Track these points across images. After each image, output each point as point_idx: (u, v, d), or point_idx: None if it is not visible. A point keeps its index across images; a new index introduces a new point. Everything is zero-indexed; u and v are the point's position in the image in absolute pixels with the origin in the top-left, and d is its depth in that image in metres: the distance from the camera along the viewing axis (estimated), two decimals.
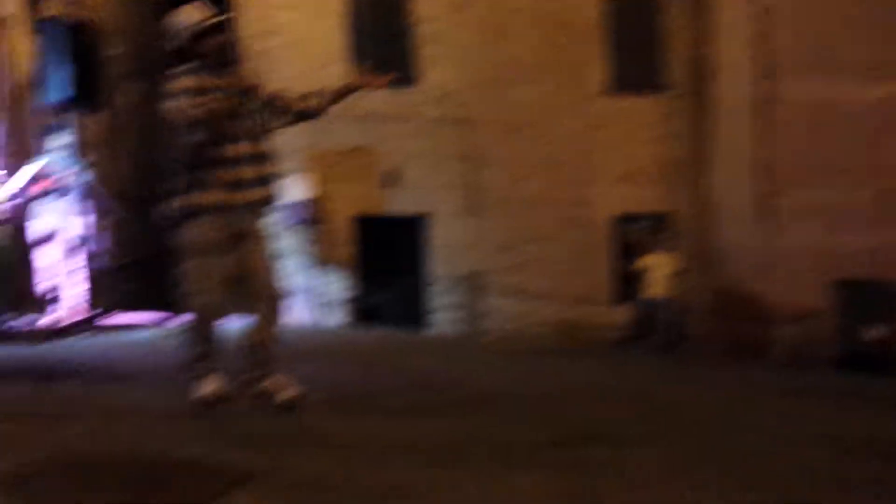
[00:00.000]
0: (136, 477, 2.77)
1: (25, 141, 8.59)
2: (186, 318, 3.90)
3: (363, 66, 4.43)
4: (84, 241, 6.98)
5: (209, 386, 3.81)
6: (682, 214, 12.61)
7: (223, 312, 3.93)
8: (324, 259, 11.63)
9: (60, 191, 6.89)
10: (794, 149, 11.53)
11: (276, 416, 3.80)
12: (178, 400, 3.85)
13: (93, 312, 7.08)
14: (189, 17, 3.79)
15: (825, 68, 11.53)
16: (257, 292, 3.96)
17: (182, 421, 3.64)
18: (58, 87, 6.62)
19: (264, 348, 3.97)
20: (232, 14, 3.90)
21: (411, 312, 11.68)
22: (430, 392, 4.75)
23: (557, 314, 11.61)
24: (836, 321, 10.27)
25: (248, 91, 3.90)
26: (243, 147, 3.85)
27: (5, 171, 7.15)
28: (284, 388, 3.96)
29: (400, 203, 12.00)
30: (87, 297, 7.23)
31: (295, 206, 10.57)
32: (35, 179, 6.79)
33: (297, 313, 10.75)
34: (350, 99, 4.14)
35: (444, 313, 11.33)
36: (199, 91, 3.74)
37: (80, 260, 7.05)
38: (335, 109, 4.13)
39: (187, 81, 3.75)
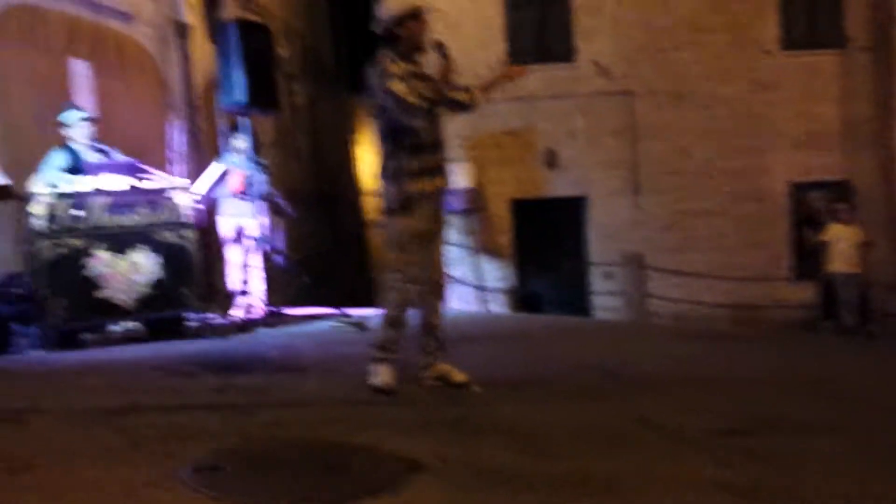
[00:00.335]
0: (317, 462, 2.91)
1: (207, 144, 9.22)
2: (383, 305, 4.04)
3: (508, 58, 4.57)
4: (262, 239, 7.37)
5: (388, 374, 3.96)
6: (865, 181, 11.65)
7: (419, 302, 4.06)
8: (484, 246, 11.71)
9: (242, 191, 7.29)
10: None
11: (450, 401, 3.88)
12: (354, 388, 4.02)
13: (273, 307, 7.47)
14: (396, 4, 3.99)
15: None
16: (435, 280, 4.13)
17: (359, 407, 3.76)
18: (233, 90, 6.97)
19: (439, 334, 4.14)
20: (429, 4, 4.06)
21: (572, 298, 11.54)
22: (598, 377, 4.68)
23: (730, 294, 11.08)
24: None
25: (442, 78, 4.02)
26: (436, 134, 4.00)
27: (188, 175, 7.70)
28: (457, 373, 4.13)
29: (558, 184, 11.88)
30: (267, 293, 7.65)
31: (456, 193, 10.70)
32: (219, 181, 7.24)
33: (459, 300, 10.92)
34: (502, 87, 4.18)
35: (606, 298, 11.09)
36: (415, 77, 3.91)
37: (260, 257, 7.46)
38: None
39: (398, 67, 3.90)
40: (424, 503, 2.52)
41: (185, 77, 9.40)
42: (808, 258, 11.08)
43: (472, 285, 11.43)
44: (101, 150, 6.30)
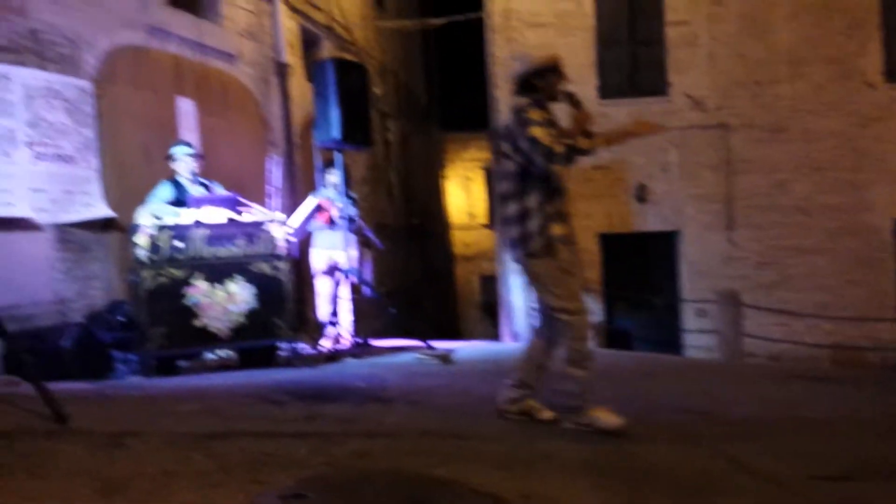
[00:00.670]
0: (401, 494, 2.91)
1: (304, 179, 9.51)
2: (564, 350, 4.08)
3: (637, 117, 4.65)
4: (352, 271, 7.51)
5: (609, 414, 4.00)
6: None
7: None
8: None
9: (334, 224, 7.48)
10: None
11: (538, 438, 3.86)
12: (440, 420, 4.02)
13: (361, 338, 7.58)
14: (535, 56, 4.20)
15: None
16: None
17: (446, 440, 3.76)
18: (329, 127, 7.17)
19: (544, 374, 4.24)
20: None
21: (663, 335, 11.26)
22: (690, 417, 4.55)
23: (830, 334, 10.60)
24: None
25: (578, 127, 4.15)
26: (566, 180, 4.11)
27: (285, 209, 7.95)
28: (545, 410, 4.20)
29: (649, 219, 11.69)
30: (355, 324, 7.78)
31: None
32: (313, 214, 7.45)
33: None
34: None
35: (699, 336, 10.78)
36: (551, 124, 4.07)
37: (350, 289, 7.60)
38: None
39: (538, 114, 4.06)
40: None
41: (285, 115, 9.76)
42: None
43: None
44: (204, 185, 6.60)
